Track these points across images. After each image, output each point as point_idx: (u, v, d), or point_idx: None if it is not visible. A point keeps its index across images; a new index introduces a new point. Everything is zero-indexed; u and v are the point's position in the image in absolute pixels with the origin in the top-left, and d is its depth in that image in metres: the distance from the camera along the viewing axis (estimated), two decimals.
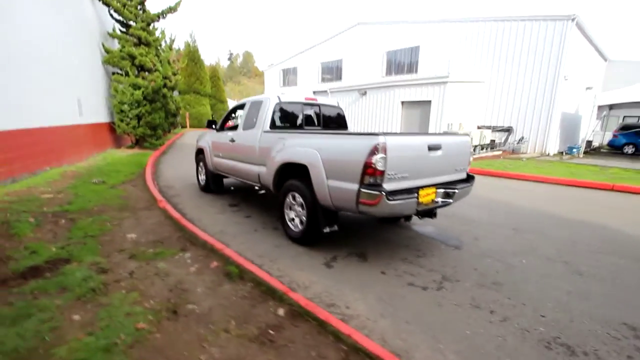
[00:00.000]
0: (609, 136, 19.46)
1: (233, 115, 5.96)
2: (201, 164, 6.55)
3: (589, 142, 18.08)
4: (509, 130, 15.92)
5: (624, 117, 21.67)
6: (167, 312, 2.36)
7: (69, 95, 8.53)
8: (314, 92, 24.55)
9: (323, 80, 24.72)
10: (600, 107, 18.00)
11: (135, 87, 11.12)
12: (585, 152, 16.01)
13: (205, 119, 34.36)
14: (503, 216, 5.23)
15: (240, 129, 5.12)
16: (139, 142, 12.45)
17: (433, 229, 4.55)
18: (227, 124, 6.05)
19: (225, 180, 6.48)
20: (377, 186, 2.98)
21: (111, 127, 11.30)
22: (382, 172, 2.96)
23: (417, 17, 18.69)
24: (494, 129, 15.64)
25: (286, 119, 4.81)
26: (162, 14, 11.43)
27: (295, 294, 2.53)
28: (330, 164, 3.30)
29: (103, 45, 10.56)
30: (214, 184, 6.29)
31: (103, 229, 4.02)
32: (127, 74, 11.03)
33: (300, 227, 3.82)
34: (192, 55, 31.52)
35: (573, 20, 14.06)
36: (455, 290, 2.88)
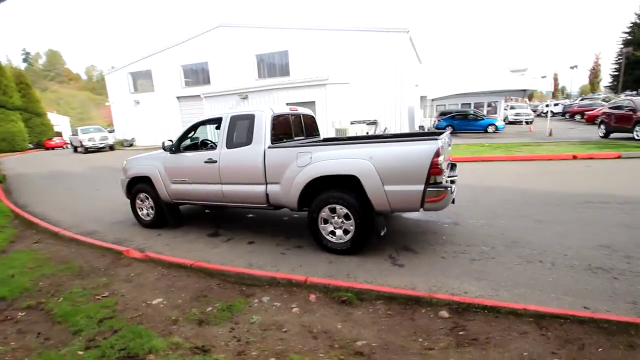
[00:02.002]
0: (430, 121, 25.61)
1: (191, 133, 5.08)
2: (142, 195, 5.30)
3: (422, 127, 23.49)
4: (375, 123, 18.85)
5: (437, 105, 28.93)
6: (355, 358, 2.13)
7: None
8: (179, 98, 22.35)
9: (187, 84, 22.68)
10: (423, 99, 23.57)
11: None
12: None
13: (19, 139, 25.93)
14: None
15: (222, 147, 4.50)
16: None
17: (418, 213, 5.29)
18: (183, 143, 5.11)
19: None
20: (438, 184, 3.39)
21: None
22: (442, 171, 3.39)
23: (284, 22, 19.57)
24: (366, 123, 18.21)
25: (281, 131, 4.56)
26: None
27: (442, 294, 2.70)
28: (387, 170, 3.47)
29: None
30: (171, 215, 5.25)
31: (107, 306, 2.93)
32: None
33: (346, 237, 3.82)
34: None
35: (407, 32, 17.77)
36: (503, 255, 3.62)
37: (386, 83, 18.06)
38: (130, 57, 24.01)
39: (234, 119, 4.52)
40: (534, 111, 33.88)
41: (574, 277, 3.06)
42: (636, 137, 12.07)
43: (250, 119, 4.38)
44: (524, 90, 22.88)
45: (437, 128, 23.78)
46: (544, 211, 5.00)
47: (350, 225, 3.76)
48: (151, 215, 5.32)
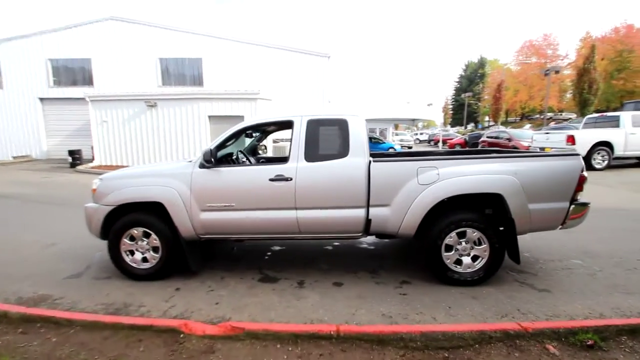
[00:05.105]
0: None
1: (232, 141, 3.66)
2: (135, 232, 3.47)
3: None
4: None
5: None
6: None
7: None
8: (43, 100, 17.20)
9: (57, 83, 17.61)
10: None
11: None
12: None
13: None
14: None
15: (298, 160, 3.37)
16: None
17: None
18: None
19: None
20: (576, 200, 3.30)
21: None
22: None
23: (196, 27, 17.51)
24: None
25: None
26: None
27: None
28: (533, 187, 3.17)
29: None
30: (193, 258, 3.60)
31: None
32: None
33: (477, 265, 3.30)
34: None
35: (328, 57, 18.50)
36: (601, 266, 3.72)
37: (306, 103, 18.12)
38: None
39: (314, 124, 3.47)
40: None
41: None
42: None
43: (341, 124, 3.44)
44: (413, 120, 26.83)
45: None
46: None
47: (484, 250, 3.28)
48: (153, 261, 3.53)
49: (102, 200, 3.52)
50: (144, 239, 3.52)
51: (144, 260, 3.56)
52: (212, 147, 3.41)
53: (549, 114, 49.70)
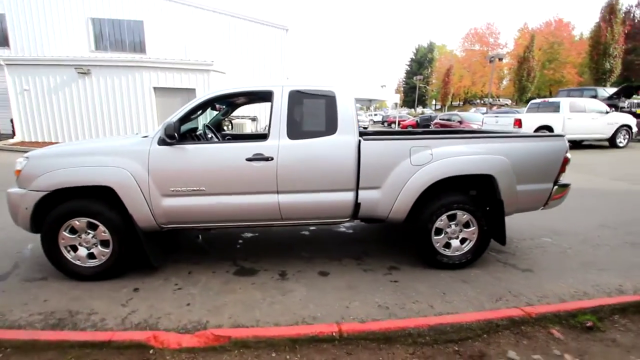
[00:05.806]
0: None
1: (197, 114, 3.08)
2: (77, 223, 2.84)
3: None
4: (255, 119, 17.73)
5: None
6: None
7: None
8: None
9: None
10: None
11: None
12: None
13: None
14: None
15: (279, 137, 2.95)
16: None
17: None
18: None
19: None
20: (559, 181, 3.33)
21: None
22: None
23: None
24: (250, 118, 16.83)
25: None
26: None
27: None
28: (522, 168, 3.12)
29: None
30: (153, 251, 3.05)
31: None
32: None
33: (465, 248, 3.22)
34: None
35: (286, 30, 17.57)
36: (570, 244, 3.88)
37: (263, 78, 17.21)
38: None
39: (297, 96, 3.04)
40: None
41: (620, 248, 3.72)
42: None
43: (327, 97, 3.06)
44: (370, 100, 26.96)
45: None
46: None
47: (472, 233, 3.20)
48: (102, 257, 2.93)
49: (30, 184, 2.80)
50: (90, 231, 2.89)
51: (91, 256, 2.94)
52: (174, 120, 2.83)
53: (490, 100, 53.66)
